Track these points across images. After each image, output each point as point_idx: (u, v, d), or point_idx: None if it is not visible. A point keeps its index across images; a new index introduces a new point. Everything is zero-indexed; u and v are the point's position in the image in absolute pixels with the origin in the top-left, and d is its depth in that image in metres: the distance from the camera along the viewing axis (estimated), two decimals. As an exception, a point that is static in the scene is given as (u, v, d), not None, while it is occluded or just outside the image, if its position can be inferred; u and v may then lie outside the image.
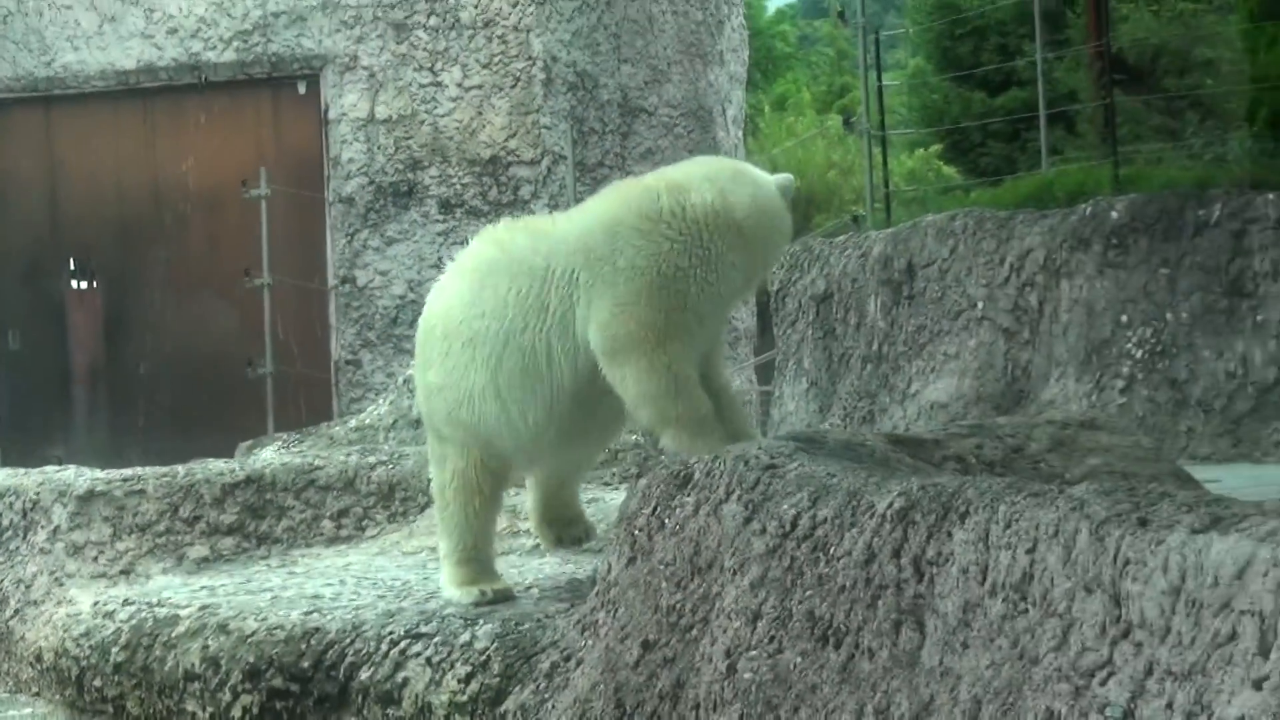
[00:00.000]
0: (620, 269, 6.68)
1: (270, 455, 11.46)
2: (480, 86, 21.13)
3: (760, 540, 5.21)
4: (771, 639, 4.97)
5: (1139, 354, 14.19)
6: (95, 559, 9.45)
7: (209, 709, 7.59)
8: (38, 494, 9.86)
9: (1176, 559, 3.68)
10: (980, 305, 15.79)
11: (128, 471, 10.09)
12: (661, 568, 5.71)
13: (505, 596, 7.29)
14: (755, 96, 44.03)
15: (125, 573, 9.36)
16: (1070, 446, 7.68)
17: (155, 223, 22.61)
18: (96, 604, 8.70)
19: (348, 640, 7.25)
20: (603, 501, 8.98)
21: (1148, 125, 25.08)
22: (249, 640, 7.58)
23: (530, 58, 21.09)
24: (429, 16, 21.40)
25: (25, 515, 9.85)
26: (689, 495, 5.74)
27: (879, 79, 21.55)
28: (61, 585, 9.27)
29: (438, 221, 21.15)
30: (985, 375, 15.73)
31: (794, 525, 5.10)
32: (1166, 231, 14.52)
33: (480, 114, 21.09)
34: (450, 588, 7.38)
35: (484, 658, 6.69)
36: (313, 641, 7.36)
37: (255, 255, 21.35)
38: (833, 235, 19.10)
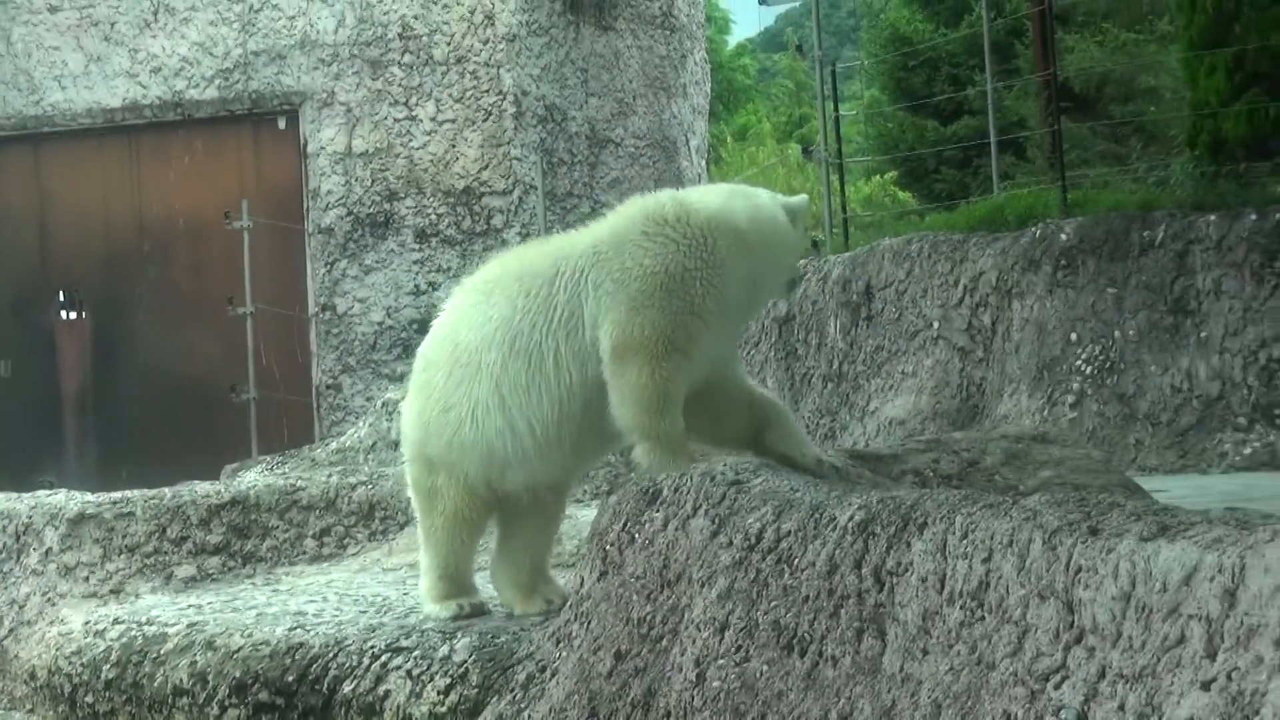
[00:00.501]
0: (629, 268, 6.77)
1: (254, 477, 11.54)
2: (453, 120, 21.38)
3: (727, 553, 5.32)
4: (739, 648, 5.08)
5: (1088, 370, 14.37)
6: (86, 579, 9.55)
7: (198, 722, 7.70)
8: (30, 517, 9.97)
9: (1126, 566, 3.80)
10: (936, 325, 15.96)
11: (117, 495, 10.20)
12: (632, 581, 5.82)
13: (481, 610, 7.35)
14: (717, 127, 44.20)
15: (115, 592, 9.47)
16: (1024, 459, 7.82)
17: (141, 254, 22.84)
18: (88, 623, 8.79)
19: (331, 655, 7.34)
20: (575, 518, 9.08)
21: (1094, 151, 25.27)
22: (235, 656, 7.68)
23: (501, 92, 21.34)
24: (403, 54, 21.70)
25: (18, 538, 9.95)
26: (658, 511, 5.85)
27: (836, 109, 21.73)
28: (54, 605, 9.39)
29: (414, 250, 21.37)
30: (941, 392, 15.88)
31: (759, 538, 5.22)
32: (1113, 252, 14.71)
33: (454, 146, 21.32)
34: (429, 603, 7.44)
35: (462, 670, 6.79)
36: (297, 656, 7.46)
37: (238, 284, 21.53)
38: (793, 259, 19.14)
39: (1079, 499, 4.34)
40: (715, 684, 5.08)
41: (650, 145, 23.07)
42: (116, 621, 8.60)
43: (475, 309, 7.20)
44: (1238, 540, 3.63)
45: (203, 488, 10.34)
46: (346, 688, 7.15)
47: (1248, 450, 14.19)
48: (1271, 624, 3.31)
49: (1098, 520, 4.08)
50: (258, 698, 7.48)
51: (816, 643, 4.78)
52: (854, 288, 16.63)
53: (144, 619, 8.51)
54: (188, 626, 8.16)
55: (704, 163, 25.16)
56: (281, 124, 22.36)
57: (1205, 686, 3.46)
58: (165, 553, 9.72)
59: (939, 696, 4.22)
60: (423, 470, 7.34)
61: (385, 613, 7.87)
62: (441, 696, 6.77)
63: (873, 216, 25.62)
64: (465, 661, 6.82)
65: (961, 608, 4.29)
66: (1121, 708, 3.67)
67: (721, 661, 5.10)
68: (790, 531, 5.11)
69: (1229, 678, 3.39)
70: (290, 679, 7.39)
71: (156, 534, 9.77)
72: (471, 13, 21.53)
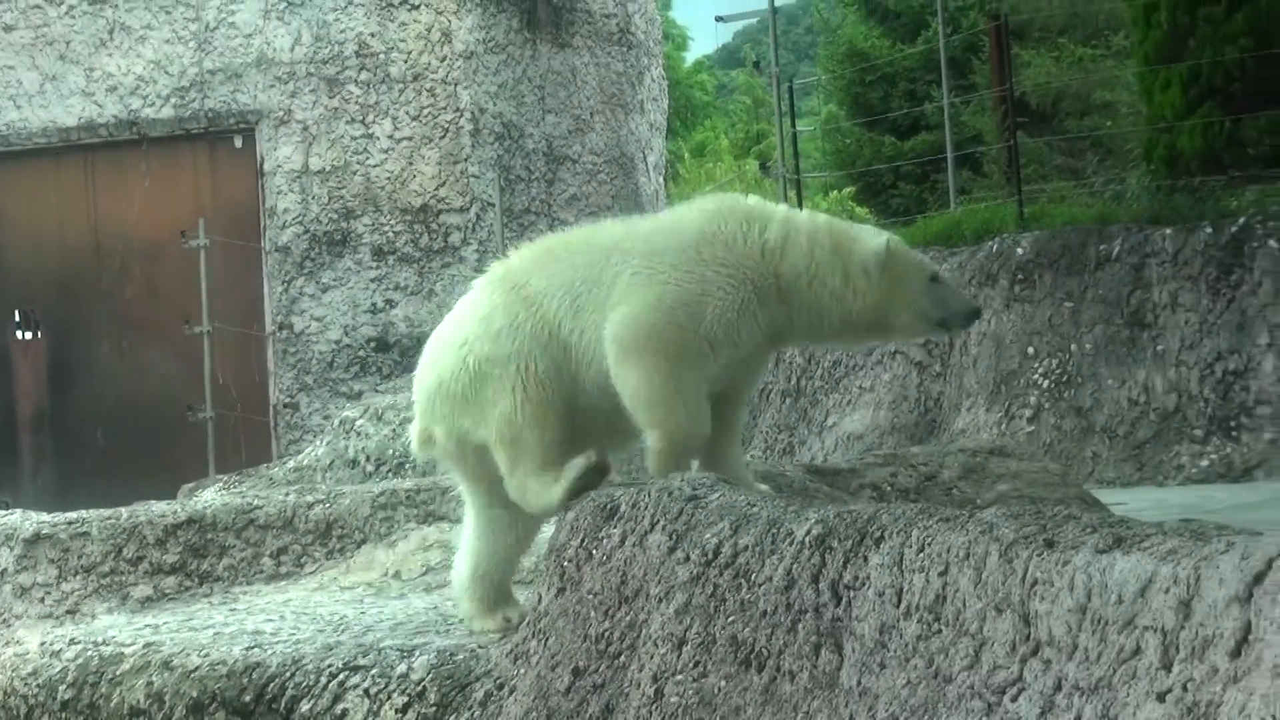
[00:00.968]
0: (656, 271, 6.84)
1: (211, 496, 11.52)
2: (410, 138, 21.40)
3: (684, 568, 5.33)
4: (696, 663, 5.08)
5: (1045, 384, 14.45)
6: (42, 600, 9.50)
7: (154, 743, 7.67)
8: (-15, 539, 9.92)
9: (1082, 578, 3.79)
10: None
11: (72, 515, 10.12)
12: (590, 597, 5.83)
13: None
14: (675, 143, 44.37)
15: (71, 613, 9.41)
16: (981, 473, 7.86)
17: (97, 274, 22.78)
18: (44, 644, 8.74)
19: (288, 674, 7.32)
20: (534, 535, 9.07)
21: (1051, 165, 25.40)
22: (192, 676, 7.65)
23: (458, 109, 21.35)
24: (360, 71, 21.71)
25: (-27, 560, 9.90)
26: (615, 527, 5.85)
27: (793, 125, 21.84)
28: (9, 626, 9.33)
29: (371, 268, 21.38)
30: (899, 407, 15.94)
31: (717, 553, 5.22)
32: (1070, 266, 14.79)
33: (411, 164, 21.34)
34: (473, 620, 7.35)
35: (420, 688, 6.78)
36: (254, 676, 7.43)
37: (194, 303, 21.47)
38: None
39: (1035, 512, 4.35)
40: (673, 700, 5.08)
41: (608, 162, 23.10)
42: (73, 642, 8.55)
43: (553, 257, 7.23)
44: (1192, 552, 3.63)
45: (159, 507, 10.30)
46: (304, 706, 7.13)
47: (1204, 462, 14.26)
48: (1226, 635, 3.31)
49: (1053, 533, 4.07)
50: (214, 717, 7.45)
51: (774, 657, 4.78)
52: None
53: (100, 639, 8.46)
54: (144, 646, 8.12)
55: (661, 179, 25.20)
56: (238, 142, 22.33)
57: (1160, 698, 3.46)
58: (121, 573, 9.67)
59: (896, 710, 4.23)
60: (479, 397, 7.13)
61: (343, 631, 7.85)
62: (399, 715, 6.76)
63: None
64: (423, 680, 6.81)
65: (918, 621, 4.29)
66: (1078, 719, 3.66)
67: (679, 677, 5.10)
68: (748, 546, 5.11)
69: (1184, 689, 3.39)
70: (247, 698, 7.37)
71: (112, 554, 9.72)
72: (428, 30, 21.53)
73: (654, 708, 5.16)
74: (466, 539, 7.45)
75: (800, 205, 21.01)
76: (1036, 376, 14.46)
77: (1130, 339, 14.38)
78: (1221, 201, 16.15)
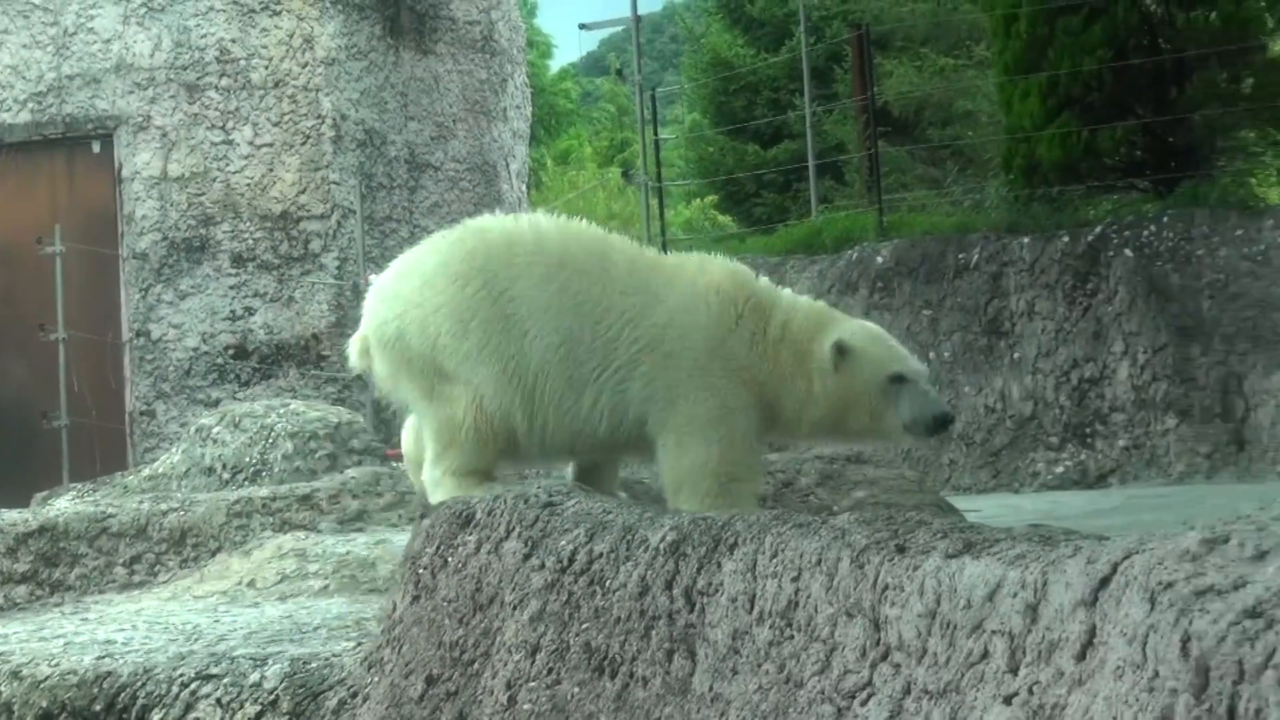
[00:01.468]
0: (676, 388, 6.82)
1: (64, 505, 11.38)
2: (271, 144, 21.27)
3: (539, 575, 5.32)
4: (550, 670, 5.07)
5: (904, 393, 14.56)
6: (-108, 608, 9.37)
7: (1, 754, 7.56)
8: None
9: (932, 583, 3.81)
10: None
11: (-76, 522, 10.01)
12: (445, 604, 5.80)
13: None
14: (539, 151, 44.39)
15: (-78, 621, 9.29)
16: (838, 479, 7.90)
17: (-48, 279, 22.39)
18: (-109, 652, 8.61)
19: (139, 683, 7.23)
20: (390, 543, 9.02)
21: (912, 174, 25.59)
22: (42, 685, 7.54)
23: (319, 116, 21.24)
24: (220, 77, 21.54)
25: None
26: (471, 534, 5.83)
27: (656, 133, 21.87)
28: None
29: (230, 275, 21.22)
30: (758, 416, 15.99)
31: (571, 560, 5.22)
32: (929, 274, 14.92)
33: (271, 171, 21.20)
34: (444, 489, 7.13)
35: (273, 697, 6.73)
36: (105, 685, 7.34)
37: (50, 310, 21.15)
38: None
39: (887, 517, 4.37)
40: (526, 707, 5.07)
41: (470, 169, 23.06)
42: (-78, 651, 8.43)
43: (539, 273, 6.99)
44: (1040, 556, 3.65)
45: (10, 515, 10.18)
46: (155, 716, 7.06)
47: (1059, 469, 14.42)
48: (1072, 638, 3.33)
49: (905, 538, 4.10)
50: (65, 727, 7.37)
51: (627, 664, 4.78)
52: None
53: (-51, 649, 8.34)
54: (-7, 656, 8.01)
55: (524, 187, 25.20)
56: (96, 148, 22.09)
57: (1007, 701, 3.47)
58: (-28, 581, 9.56)
59: (748, 716, 4.23)
60: (438, 378, 7.03)
61: (195, 640, 7.78)
62: (251, 724, 6.71)
63: (692, 240, 25.76)
64: (276, 688, 6.76)
65: (770, 627, 4.30)
66: (926, 723, 3.68)
67: (533, 684, 5.09)
68: (602, 553, 5.11)
69: (1030, 692, 3.41)
70: (98, 708, 7.28)
71: (-37, 562, 9.61)
72: (290, 36, 21.40)
73: (507, 715, 5.15)
74: (412, 420, 7.45)
75: (661, 213, 21.02)
76: (895, 384, 14.57)
77: (988, 347, 14.53)
78: (1079, 211, 16.34)
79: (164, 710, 7.04)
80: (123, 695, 7.25)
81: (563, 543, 5.31)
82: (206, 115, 21.51)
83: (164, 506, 10.16)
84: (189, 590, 9.41)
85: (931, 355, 14.61)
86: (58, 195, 22.20)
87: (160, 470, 12.70)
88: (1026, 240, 15.18)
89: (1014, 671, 3.50)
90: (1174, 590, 2.94)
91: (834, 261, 15.90)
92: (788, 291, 7.30)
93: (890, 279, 15.42)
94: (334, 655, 6.91)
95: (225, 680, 6.97)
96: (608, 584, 5.01)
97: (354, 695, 6.31)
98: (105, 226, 21.84)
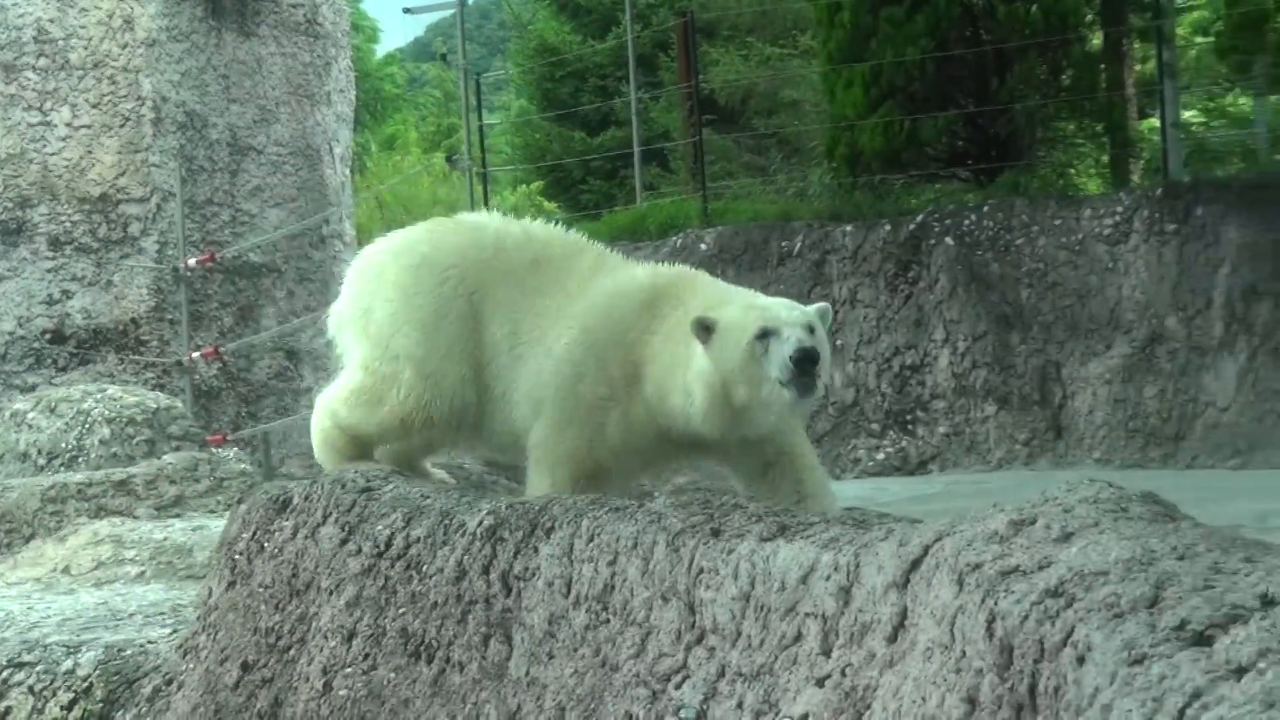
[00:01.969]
0: None
1: (-126, 491, 11.17)
2: (90, 126, 20.93)
3: (356, 560, 5.29)
4: (366, 656, 5.04)
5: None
6: None
7: None
8: None
9: (746, 566, 3.83)
10: (577, 334, 16.06)
11: None
12: (261, 590, 5.75)
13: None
14: (363, 136, 44.14)
15: None
16: (659, 466, 7.89)
17: None
18: None
19: (-52, 671, 7.12)
20: (207, 529, 8.93)
21: (737, 162, 25.70)
22: None
23: (140, 98, 20.94)
24: (38, 58, 21.14)
25: None
26: (288, 519, 5.79)
27: (480, 119, 21.83)
28: None
29: (47, 259, 20.86)
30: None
31: (388, 545, 5.19)
32: (753, 261, 14.99)
33: (90, 153, 20.86)
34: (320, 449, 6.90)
35: (86, 684, 6.64)
36: (-87, 673, 7.22)
37: None
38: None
39: (703, 502, 4.38)
40: (342, 693, 5.04)
41: (293, 153, 22.85)
42: None
43: (518, 267, 6.84)
44: (853, 539, 3.68)
45: None
46: (-36, 705, 6.94)
47: (880, 455, 14.55)
48: (884, 620, 3.36)
49: (720, 522, 4.11)
50: None
51: (443, 649, 4.76)
52: (499, 296, 16.68)
53: None
54: None
55: (348, 171, 25.04)
56: (-91, 128, 21.69)
57: (820, 683, 3.49)
58: None
59: (563, 700, 4.23)
60: (385, 357, 6.80)
61: (8, 628, 7.64)
62: (65, 711, 6.61)
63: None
64: (89, 676, 6.67)
65: (587, 611, 4.30)
66: (740, 706, 3.70)
67: (348, 670, 5.06)
68: (420, 538, 5.09)
69: (843, 674, 3.43)
70: (-93, 696, 7.15)
71: None
72: (110, 17, 21.09)
73: (323, 701, 5.11)
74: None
75: (486, 199, 20.99)
76: (718, 370, 14.64)
77: (810, 334, 14.63)
78: (900, 199, 16.49)
79: (-27, 698, 6.94)
80: (-69, 683, 7.13)
81: (380, 527, 5.28)
82: (23, 96, 21.13)
83: (-25, 492, 10.00)
84: (2, 577, 9.26)
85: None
86: None
87: (-27, 456, 12.49)
88: (849, 228, 15.31)
89: (827, 654, 3.53)
90: (981, 571, 2.97)
91: (658, 248, 15.94)
92: (723, 290, 6.79)
93: (714, 266, 15.46)
94: (149, 642, 6.82)
95: (38, 668, 6.87)
96: (425, 569, 4.99)
97: (169, 682, 6.24)
98: (-81, 208, 21.48)
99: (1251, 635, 2.16)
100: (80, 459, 11.70)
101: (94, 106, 21.02)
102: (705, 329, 6.21)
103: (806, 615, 3.63)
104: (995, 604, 2.81)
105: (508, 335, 6.66)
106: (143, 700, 6.33)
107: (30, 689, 6.80)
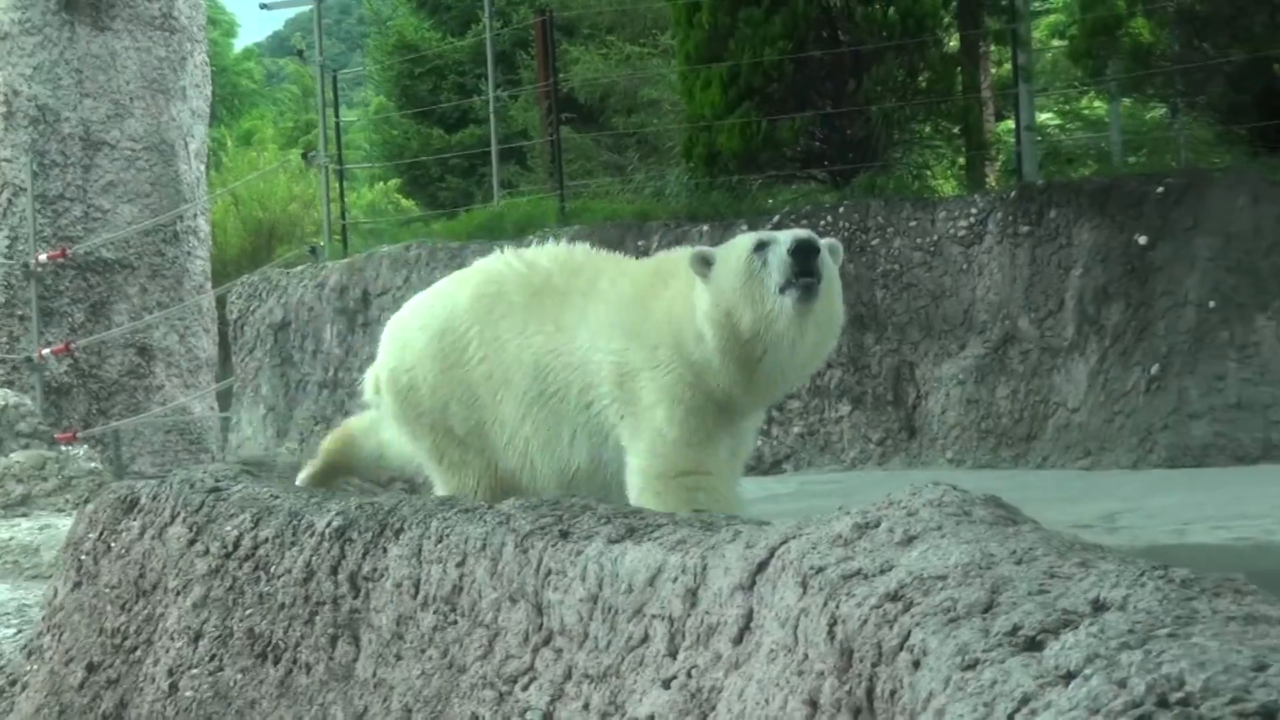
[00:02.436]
0: None
1: None
2: (-63, 120, 20.69)
3: (204, 561, 5.25)
4: (213, 657, 5.01)
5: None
6: None
7: None
8: None
9: (594, 568, 3.84)
10: (432, 332, 16.05)
11: None
12: (107, 591, 5.70)
13: None
14: (219, 131, 43.79)
15: None
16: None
17: None
18: None
19: None
20: (55, 528, 8.83)
21: (596, 161, 25.70)
22: None
23: (-9, 91, 20.73)
24: (-116, 51, 20.89)
25: None
26: (135, 519, 5.74)
27: (337, 115, 21.72)
28: None
29: (-106, 255, 20.62)
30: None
31: (236, 545, 5.16)
32: (610, 261, 14.99)
33: (-63, 147, 20.63)
34: None
35: (-75, 685, 6.56)
36: None
37: None
38: (291, 265, 19.11)
39: (552, 503, 4.37)
40: (188, 694, 5.00)
41: (147, 148, 22.66)
42: None
43: (521, 308, 6.82)
44: (701, 541, 3.68)
45: None
46: None
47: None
48: (730, 622, 3.37)
49: (569, 524, 4.12)
50: None
51: (290, 650, 4.74)
52: (351, 294, 16.60)
53: None
54: None
55: (203, 167, 24.87)
56: None
57: (666, 684, 3.50)
58: None
59: (410, 701, 4.22)
60: (448, 442, 6.90)
61: None
62: (-97, 714, 6.52)
63: (375, 224, 25.64)
64: (-72, 678, 6.58)
65: (435, 612, 4.29)
66: (586, 707, 3.71)
67: (195, 671, 5.02)
68: (268, 538, 5.06)
69: (689, 675, 3.44)
70: None
71: None
72: (-40, 11, 20.86)
73: (169, 702, 5.07)
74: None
75: (342, 196, 20.87)
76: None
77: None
78: (757, 200, 16.53)
79: None
80: None
81: (228, 528, 5.24)
82: None
83: None
84: None
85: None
86: None
87: None
88: (706, 228, 15.32)
89: (673, 655, 3.54)
90: (824, 575, 2.99)
91: (514, 247, 15.93)
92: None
93: (571, 265, 15.50)
94: (-8, 644, 6.75)
95: None
96: (272, 569, 4.96)
97: (13, 683, 6.17)
98: None
99: (1080, 641, 2.19)
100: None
101: (-58, 100, 20.78)
102: (704, 262, 6.21)
103: (653, 617, 3.64)
104: (837, 607, 2.82)
105: (531, 381, 6.65)
106: (-14, 702, 6.26)
107: None
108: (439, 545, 4.38)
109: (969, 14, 19.12)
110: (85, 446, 15.52)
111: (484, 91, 25.11)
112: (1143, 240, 14.14)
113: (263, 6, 21.99)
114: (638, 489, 6.21)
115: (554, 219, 16.50)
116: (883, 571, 2.84)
